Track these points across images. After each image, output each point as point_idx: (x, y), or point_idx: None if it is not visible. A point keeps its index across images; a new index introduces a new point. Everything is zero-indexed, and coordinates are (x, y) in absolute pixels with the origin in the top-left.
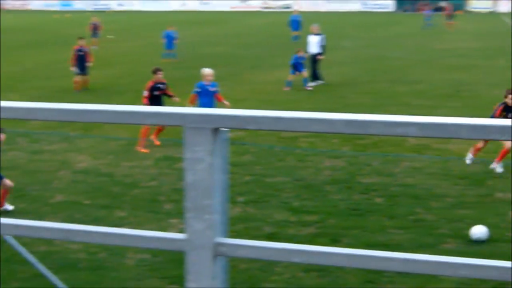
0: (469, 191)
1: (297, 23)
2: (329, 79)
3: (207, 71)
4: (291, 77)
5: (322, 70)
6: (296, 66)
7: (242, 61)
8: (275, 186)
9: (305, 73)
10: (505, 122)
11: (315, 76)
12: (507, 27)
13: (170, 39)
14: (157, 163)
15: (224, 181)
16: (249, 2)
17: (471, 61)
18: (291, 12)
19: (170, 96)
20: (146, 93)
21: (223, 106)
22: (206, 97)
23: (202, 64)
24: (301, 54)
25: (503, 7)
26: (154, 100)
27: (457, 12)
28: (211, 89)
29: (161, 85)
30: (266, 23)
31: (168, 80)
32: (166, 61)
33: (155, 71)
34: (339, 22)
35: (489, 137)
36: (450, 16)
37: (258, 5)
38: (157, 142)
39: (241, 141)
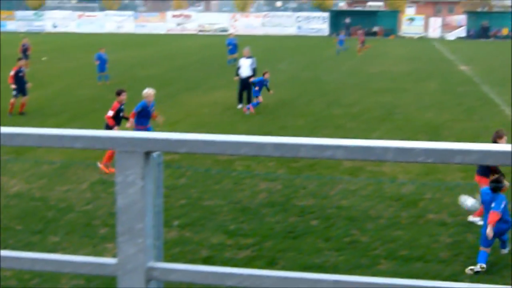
0: (402, 212)
1: (234, 46)
2: (266, 101)
3: (151, 91)
4: (260, 98)
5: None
6: (260, 89)
7: (177, 83)
8: (211, 209)
9: (260, 98)
10: (429, 144)
11: (248, 99)
12: (437, 52)
13: (102, 61)
14: (93, 187)
15: (157, 204)
16: (185, 25)
17: (403, 85)
18: (228, 35)
19: (127, 119)
20: (111, 113)
21: (156, 124)
22: (146, 117)
23: (136, 86)
24: (267, 76)
25: (433, 33)
26: (117, 120)
27: (390, 37)
28: (151, 109)
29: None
30: (202, 46)
31: (101, 103)
32: (101, 84)
33: (119, 93)
34: (275, 45)
35: (415, 160)
36: (362, 41)
37: (194, 28)
38: (110, 170)
39: (177, 163)
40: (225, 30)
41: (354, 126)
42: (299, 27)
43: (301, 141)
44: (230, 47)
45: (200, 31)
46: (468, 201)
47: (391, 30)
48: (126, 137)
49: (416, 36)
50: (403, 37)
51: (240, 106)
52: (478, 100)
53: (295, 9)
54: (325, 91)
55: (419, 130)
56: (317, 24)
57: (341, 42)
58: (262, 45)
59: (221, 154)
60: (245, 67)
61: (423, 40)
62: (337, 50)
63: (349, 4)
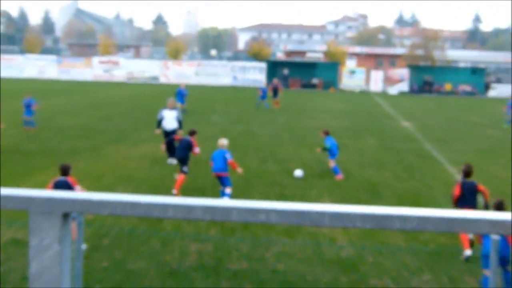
0: (342, 277)
1: (182, 96)
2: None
3: (225, 141)
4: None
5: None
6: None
7: (103, 134)
8: (137, 272)
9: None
10: (367, 209)
11: (172, 153)
12: (378, 106)
13: (29, 106)
14: (4, 248)
15: (77, 268)
16: (113, 72)
17: (342, 140)
18: (158, 84)
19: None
20: (198, 150)
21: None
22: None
23: (60, 135)
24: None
25: (374, 87)
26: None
27: (330, 90)
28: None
29: None
30: (131, 95)
31: (20, 155)
32: (27, 130)
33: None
34: (208, 95)
35: (353, 225)
36: (274, 90)
37: (123, 75)
38: None
39: (100, 222)
40: (156, 79)
41: (291, 183)
42: (234, 77)
43: (232, 204)
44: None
45: (129, 78)
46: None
47: (331, 83)
48: (42, 197)
49: (357, 89)
50: (344, 90)
51: (169, 160)
52: (420, 158)
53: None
54: (259, 145)
55: (359, 188)
56: (254, 74)
57: (263, 94)
58: (195, 95)
59: (146, 216)
60: (170, 119)
61: (364, 94)
62: (256, 103)
63: (287, 55)
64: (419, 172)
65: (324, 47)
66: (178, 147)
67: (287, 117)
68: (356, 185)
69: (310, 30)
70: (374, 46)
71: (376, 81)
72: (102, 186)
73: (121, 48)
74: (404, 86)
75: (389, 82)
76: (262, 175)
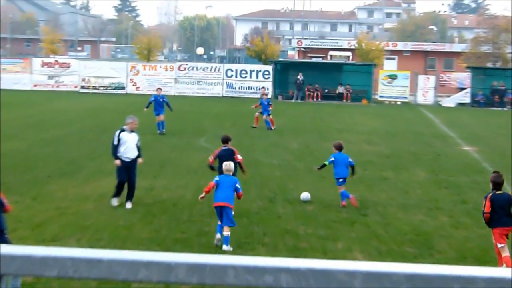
0: None
1: (159, 105)
2: (179, 192)
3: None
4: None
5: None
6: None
7: (47, 164)
8: None
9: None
10: (415, 268)
11: (130, 195)
12: (429, 124)
13: None
14: None
15: None
16: (62, 78)
17: (380, 171)
18: (123, 94)
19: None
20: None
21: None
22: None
23: None
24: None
25: (423, 97)
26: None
27: (362, 102)
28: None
29: None
30: (86, 109)
31: None
32: None
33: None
34: (194, 109)
35: None
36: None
37: (75, 82)
38: None
39: (43, 285)
40: (121, 87)
41: (308, 231)
42: (229, 85)
43: (228, 261)
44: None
45: (84, 87)
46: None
47: (363, 92)
48: None
49: (399, 101)
50: (381, 103)
51: (113, 201)
52: None
53: (224, 59)
54: (264, 179)
55: (403, 238)
56: (256, 80)
57: (265, 109)
58: (174, 110)
59: (109, 279)
60: (130, 145)
61: (409, 107)
62: (266, 126)
63: (303, 54)
64: None
65: (353, 43)
66: (222, 161)
67: (302, 140)
68: (399, 235)
69: (334, 19)
70: (422, 42)
71: (426, 90)
72: (46, 237)
73: (72, 45)
74: (464, 97)
75: (444, 91)
76: (268, 221)
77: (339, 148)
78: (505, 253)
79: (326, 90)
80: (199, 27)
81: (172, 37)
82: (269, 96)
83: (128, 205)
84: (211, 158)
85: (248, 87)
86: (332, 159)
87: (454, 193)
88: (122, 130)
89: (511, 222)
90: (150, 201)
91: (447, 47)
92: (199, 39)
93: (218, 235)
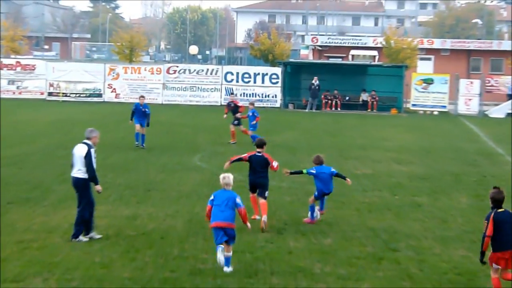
0: None
1: (141, 115)
2: (166, 222)
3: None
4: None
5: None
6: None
7: (5, 189)
8: None
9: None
10: None
11: (88, 227)
12: (472, 138)
13: None
14: None
15: None
16: (25, 83)
17: (411, 196)
18: (100, 103)
19: None
20: (276, 164)
21: None
22: None
23: None
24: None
25: (465, 106)
26: None
27: (391, 112)
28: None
29: None
30: (54, 122)
31: None
32: None
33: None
34: (187, 123)
35: None
36: (231, 110)
37: (40, 88)
38: None
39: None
40: (97, 94)
41: (327, 271)
42: (229, 91)
43: None
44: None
45: (53, 94)
46: None
47: (392, 100)
48: None
49: (436, 110)
50: (413, 112)
51: (81, 238)
52: None
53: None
54: (273, 206)
55: (442, 280)
56: (261, 86)
57: (251, 121)
58: (162, 122)
59: None
60: (79, 160)
61: (449, 117)
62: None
63: (318, 53)
64: None
65: (380, 40)
66: (254, 169)
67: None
68: (436, 274)
69: (356, 12)
70: (464, 39)
71: (469, 97)
72: (7, 277)
73: (38, 43)
74: None
75: (491, 98)
76: (277, 257)
77: (319, 162)
78: (496, 275)
79: (347, 98)
80: (192, 21)
81: (159, 33)
82: (278, 104)
83: (82, 238)
84: (244, 156)
85: (252, 94)
86: (313, 171)
87: None
88: (90, 147)
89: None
90: (133, 233)
91: (494, 45)
92: (192, 35)
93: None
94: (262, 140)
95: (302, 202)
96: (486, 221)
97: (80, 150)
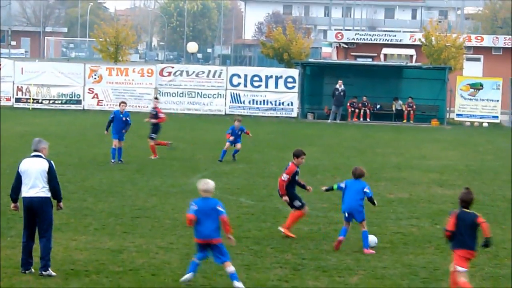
0: None
1: (121, 125)
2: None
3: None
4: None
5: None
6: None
7: None
8: None
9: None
10: None
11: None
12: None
13: None
14: None
15: None
16: None
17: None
18: (80, 111)
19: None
20: (286, 177)
21: None
22: None
23: None
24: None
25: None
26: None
27: (432, 123)
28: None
29: None
30: (23, 135)
31: None
32: None
33: (298, 155)
34: (186, 136)
35: None
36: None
37: (7, 94)
38: None
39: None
40: (76, 100)
41: None
42: (235, 97)
43: None
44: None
45: (21, 100)
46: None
47: (433, 109)
48: None
49: (486, 121)
50: (459, 124)
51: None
52: None
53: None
54: (289, 237)
55: None
56: (275, 91)
57: (235, 136)
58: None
59: None
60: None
61: (502, 130)
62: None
63: (343, 52)
64: None
65: (418, 37)
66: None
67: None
68: None
69: (390, 2)
70: None
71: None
72: None
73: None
74: None
75: None
76: None
77: (359, 175)
78: (463, 279)
79: (378, 106)
80: (191, 13)
81: (150, 27)
82: (294, 114)
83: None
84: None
85: (264, 101)
86: (343, 185)
87: None
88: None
89: (473, 243)
90: (118, 269)
91: None
92: (191, 30)
93: (189, 275)
94: (300, 150)
95: (324, 232)
96: (449, 216)
97: (39, 165)
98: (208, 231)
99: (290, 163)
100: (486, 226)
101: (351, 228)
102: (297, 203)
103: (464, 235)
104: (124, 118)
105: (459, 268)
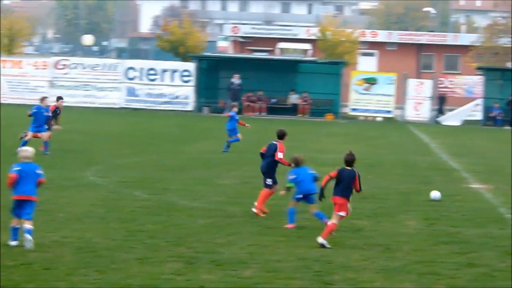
0: None
1: (42, 119)
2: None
3: None
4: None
5: None
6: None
7: None
8: None
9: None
10: None
11: None
12: (426, 151)
13: None
14: None
15: None
16: None
17: (351, 220)
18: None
19: None
20: (281, 155)
21: None
22: None
23: None
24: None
25: (414, 111)
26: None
27: (326, 117)
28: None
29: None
30: None
31: None
32: None
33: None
34: (81, 130)
35: None
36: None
37: None
38: None
39: None
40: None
41: None
42: (131, 91)
43: None
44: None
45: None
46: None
47: (328, 103)
48: None
49: (380, 116)
50: (353, 118)
51: None
52: None
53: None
54: (182, 231)
55: None
56: (171, 85)
57: (231, 122)
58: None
59: None
60: None
61: (395, 125)
62: (225, 146)
63: (240, 46)
64: None
65: (314, 31)
66: (265, 155)
67: (237, 173)
68: None
69: None
70: (414, 31)
71: (419, 100)
72: None
73: None
74: (474, 110)
75: (445, 103)
76: None
77: (299, 163)
78: (334, 221)
79: (273, 100)
80: (87, 6)
81: (46, 20)
82: (190, 107)
83: None
84: (263, 148)
85: (160, 94)
86: (293, 176)
87: (458, 251)
88: None
89: (347, 195)
90: (11, 263)
91: (450, 39)
92: (87, 23)
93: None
94: (282, 130)
95: (219, 226)
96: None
97: None
98: (28, 189)
99: (276, 143)
100: (358, 183)
101: (243, 221)
102: (268, 181)
103: (342, 185)
104: (46, 113)
105: (341, 213)
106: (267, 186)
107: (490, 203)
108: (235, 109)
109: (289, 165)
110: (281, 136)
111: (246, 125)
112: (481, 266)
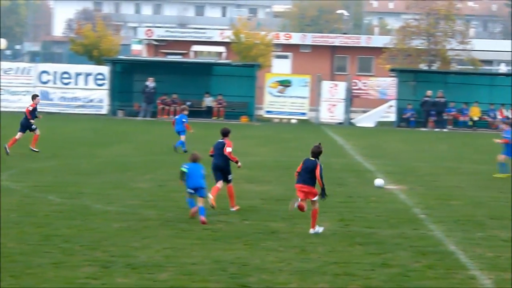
0: None
1: None
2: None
3: None
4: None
5: None
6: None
7: None
8: None
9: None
10: None
11: None
12: (340, 154)
13: None
14: None
15: None
16: None
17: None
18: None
19: None
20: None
21: None
22: None
23: None
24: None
25: (328, 113)
26: None
27: (241, 120)
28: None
29: None
30: None
31: None
32: None
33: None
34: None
35: None
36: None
37: None
38: None
39: None
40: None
41: None
42: (45, 94)
43: None
44: None
45: None
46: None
47: (242, 106)
48: None
49: (295, 118)
50: (268, 120)
51: None
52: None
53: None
54: (97, 235)
55: None
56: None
57: (179, 125)
58: None
59: None
60: None
61: (309, 127)
62: (176, 144)
63: (154, 49)
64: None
65: (228, 34)
66: (215, 153)
67: (154, 177)
68: None
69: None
70: (328, 33)
71: (333, 102)
72: None
73: None
74: (387, 112)
75: (359, 104)
76: None
77: (195, 160)
78: (295, 205)
79: (188, 103)
80: None
81: None
82: (104, 111)
83: None
84: (211, 149)
85: (74, 97)
86: (186, 167)
87: (373, 252)
88: None
89: (308, 183)
90: None
91: (363, 41)
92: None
93: None
94: (226, 129)
95: (134, 230)
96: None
97: None
98: None
99: (224, 140)
100: (318, 172)
101: (158, 224)
102: (230, 177)
103: (303, 174)
104: None
105: (299, 199)
106: (229, 181)
107: (405, 204)
108: (186, 112)
109: (237, 162)
110: (225, 133)
111: (191, 130)
112: (395, 266)
